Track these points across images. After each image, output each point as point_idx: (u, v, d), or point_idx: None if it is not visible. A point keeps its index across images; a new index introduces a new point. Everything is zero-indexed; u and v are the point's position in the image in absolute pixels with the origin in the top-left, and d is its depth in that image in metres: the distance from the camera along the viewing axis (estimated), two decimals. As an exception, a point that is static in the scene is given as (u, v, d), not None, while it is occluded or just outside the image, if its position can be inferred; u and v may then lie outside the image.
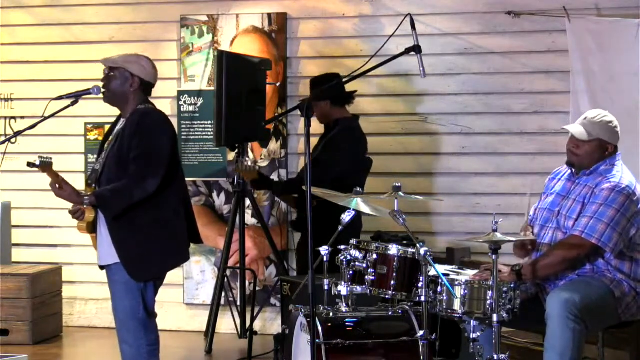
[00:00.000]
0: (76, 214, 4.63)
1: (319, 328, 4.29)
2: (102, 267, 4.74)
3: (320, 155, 6.12)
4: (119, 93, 4.67)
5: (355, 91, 6.37)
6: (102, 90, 4.69)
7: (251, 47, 7.09)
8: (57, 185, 4.50)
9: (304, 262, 6.36)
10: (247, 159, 6.43)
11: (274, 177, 7.01)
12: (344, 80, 6.17)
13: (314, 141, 6.36)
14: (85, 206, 4.55)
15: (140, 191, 4.51)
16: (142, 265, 4.59)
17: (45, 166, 4.47)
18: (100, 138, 6.76)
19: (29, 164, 4.46)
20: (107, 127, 4.87)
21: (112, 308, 4.73)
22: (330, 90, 6.18)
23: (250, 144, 6.97)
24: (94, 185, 4.68)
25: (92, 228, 4.70)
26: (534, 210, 4.89)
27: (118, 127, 4.73)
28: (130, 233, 4.58)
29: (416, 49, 4.49)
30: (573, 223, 4.53)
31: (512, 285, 4.31)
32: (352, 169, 6.16)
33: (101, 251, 4.67)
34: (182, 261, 4.85)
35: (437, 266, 4.36)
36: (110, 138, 4.74)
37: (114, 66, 4.68)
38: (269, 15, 7.12)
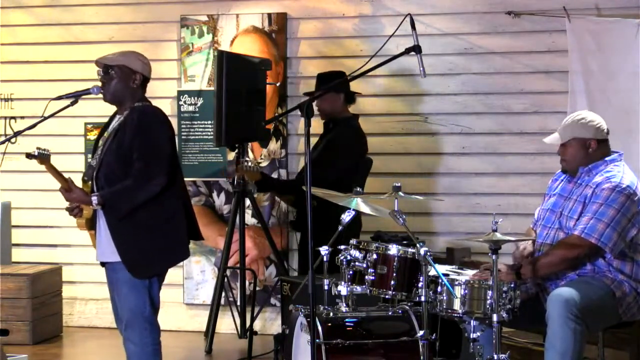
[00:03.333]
0: (73, 210, 4.64)
1: (319, 328, 4.29)
2: (102, 264, 4.74)
3: (321, 155, 6.13)
4: (122, 91, 4.66)
5: (360, 93, 6.41)
6: (104, 88, 4.66)
7: (251, 47, 7.09)
8: (67, 190, 4.52)
9: (305, 262, 6.38)
10: (247, 159, 6.42)
11: (274, 177, 7.00)
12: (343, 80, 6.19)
13: (314, 141, 6.38)
14: (92, 206, 4.56)
15: (146, 192, 4.51)
16: (142, 263, 4.59)
17: (43, 158, 4.50)
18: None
19: (28, 155, 4.50)
20: (106, 126, 4.86)
21: (116, 307, 4.72)
22: (345, 85, 6.21)
23: (250, 144, 6.97)
24: (90, 181, 4.67)
25: (91, 224, 4.70)
26: (537, 211, 4.90)
27: (114, 123, 4.71)
28: (131, 231, 4.57)
29: (416, 49, 4.49)
30: (574, 223, 4.54)
31: (512, 285, 4.31)
32: (353, 169, 6.18)
33: (100, 247, 4.66)
34: (182, 258, 4.84)
35: (437, 266, 4.36)
36: (106, 134, 4.72)
37: (113, 64, 4.67)
38: (269, 15, 7.12)
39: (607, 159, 4.63)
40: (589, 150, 4.62)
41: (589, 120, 4.64)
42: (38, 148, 4.55)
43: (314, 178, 5.88)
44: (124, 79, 4.66)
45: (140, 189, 4.50)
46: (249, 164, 6.23)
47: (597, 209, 4.47)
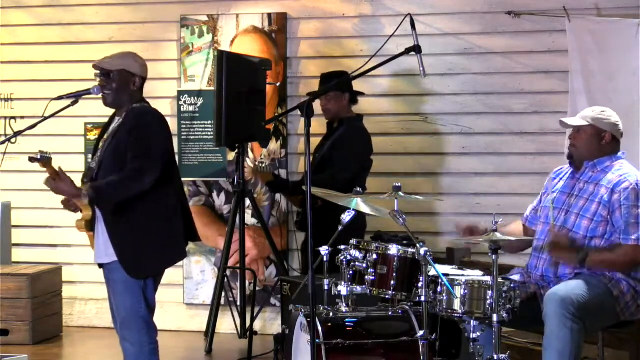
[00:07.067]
0: (69, 202, 4.63)
1: (319, 328, 4.29)
2: (100, 265, 4.75)
3: (330, 156, 6.12)
4: (122, 95, 4.66)
5: (363, 93, 6.41)
6: (105, 93, 4.66)
7: (251, 47, 7.09)
8: (54, 178, 4.47)
9: (307, 262, 6.37)
10: (262, 160, 6.40)
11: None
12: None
13: (314, 141, 6.37)
14: (82, 199, 4.52)
15: (136, 186, 4.49)
16: (139, 264, 4.59)
17: (45, 161, 4.49)
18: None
19: (31, 159, 4.48)
20: (105, 126, 4.86)
21: (113, 307, 4.73)
22: (349, 85, 6.21)
23: (250, 144, 6.97)
24: (89, 183, 4.66)
25: (90, 226, 4.69)
26: (531, 209, 4.90)
27: (113, 125, 4.71)
28: (128, 230, 4.57)
29: (416, 49, 4.49)
30: (589, 223, 4.53)
31: (512, 285, 4.31)
32: (361, 169, 6.18)
33: (98, 249, 4.67)
34: (179, 259, 4.82)
35: (438, 266, 4.35)
36: (105, 136, 4.72)
37: (113, 69, 4.67)
38: (269, 15, 7.12)
39: (612, 156, 4.66)
40: (602, 142, 4.64)
41: (610, 115, 4.70)
42: (40, 151, 4.52)
43: (326, 179, 5.86)
44: (124, 83, 4.66)
45: (130, 182, 4.48)
46: (263, 165, 6.24)
47: (638, 212, 4.48)
